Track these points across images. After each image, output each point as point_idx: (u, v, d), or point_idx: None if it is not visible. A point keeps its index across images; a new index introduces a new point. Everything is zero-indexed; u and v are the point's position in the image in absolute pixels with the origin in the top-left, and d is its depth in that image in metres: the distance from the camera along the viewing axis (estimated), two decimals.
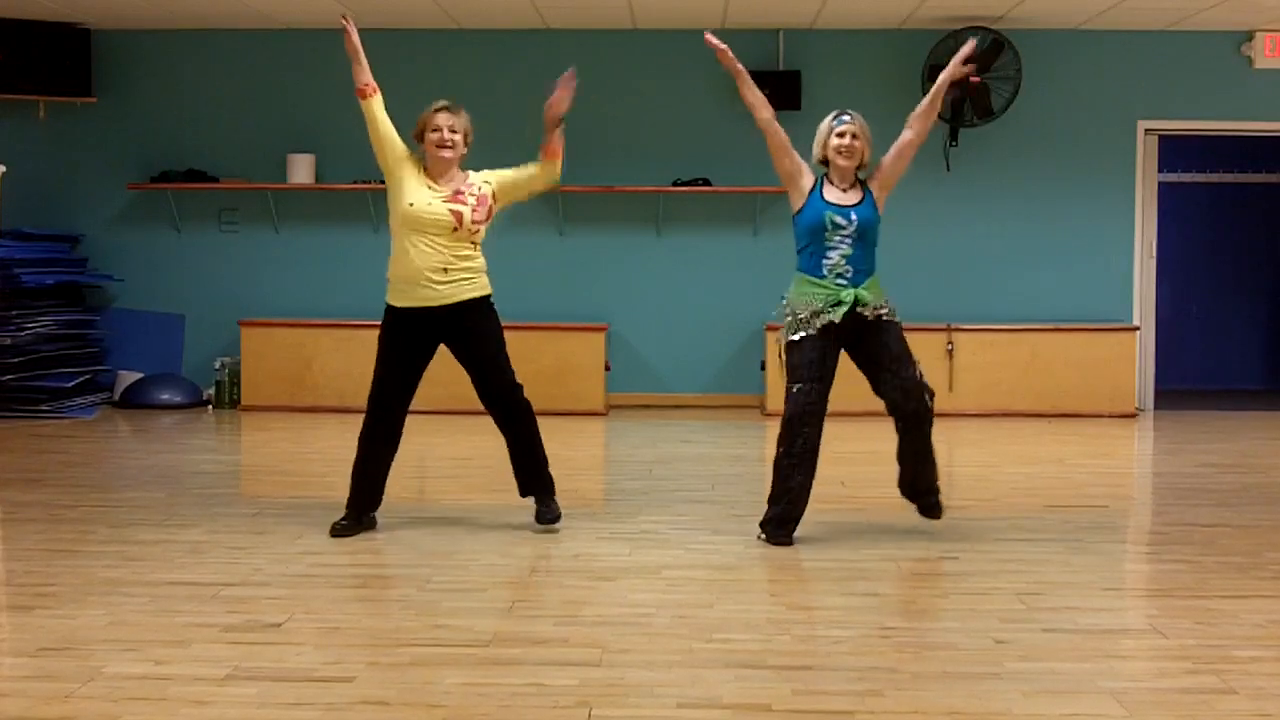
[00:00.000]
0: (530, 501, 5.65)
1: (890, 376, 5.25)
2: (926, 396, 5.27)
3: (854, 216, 5.25)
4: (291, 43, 9.98)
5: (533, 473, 5.59)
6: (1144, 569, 5.27)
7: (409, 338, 5.42)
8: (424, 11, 9.31)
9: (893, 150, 5.43)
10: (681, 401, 10.07)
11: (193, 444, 8.23)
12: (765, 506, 5.41)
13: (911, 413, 5.28)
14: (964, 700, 3.47)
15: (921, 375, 5.31)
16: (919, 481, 5.47)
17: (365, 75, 5.38)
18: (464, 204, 5.36)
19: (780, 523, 5.33)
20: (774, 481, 5.34)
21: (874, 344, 5.27)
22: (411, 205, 5.32)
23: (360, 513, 5.51)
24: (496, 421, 5.57)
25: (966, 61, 5.56)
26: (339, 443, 8.24)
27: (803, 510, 5.36)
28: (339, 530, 5.43)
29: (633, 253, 10.06)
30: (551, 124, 5.47)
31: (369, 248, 9.82)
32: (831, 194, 5.32)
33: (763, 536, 5.37)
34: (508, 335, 5.55)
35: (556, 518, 5.57)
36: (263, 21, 9.67)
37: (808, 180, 5.35)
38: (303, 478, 7.03)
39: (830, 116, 5.40)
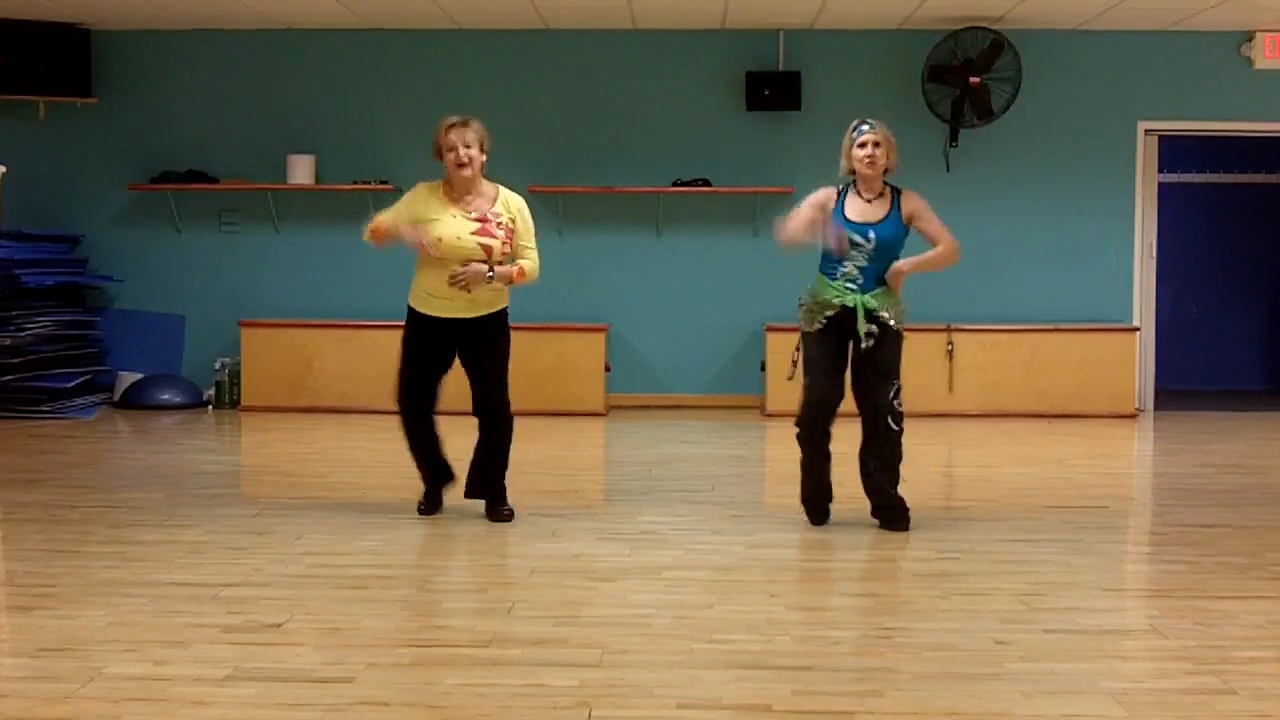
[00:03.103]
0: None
1: (869, 391, 5.53)
2: (891, 421, 5.51)
3: (872, 235, 5.46)
4: (291, 43, 9.97)
5: (493, 480, 5.81)
6: (1144, 569, 5.27)
7: (431, 339, 5.69)
8: (424, 11, 9.30)
9: (931, 227, 5.59)
10: (681, 402, 10.06)
11: (193, 444, 8.23)
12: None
13: (873, 435, 5.57)
14: (964, 700, 3.47)
15: (896, 396, 5.52)
16: (880, 495, 5.65)
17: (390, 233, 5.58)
18: (493, 236, 5.59)
19: (808, 500, 5.70)
20: (801, 463, 5.70)
21: (869, 351, 5.47)
22: (440, 241, 5.52)
23: (434, 494, 5.92)
24: (480, 427, 5.81)
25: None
26: (339, 443, 8.25)
27: (824, 489, 5.67)
28: (422, 511, 5.86)
29: (632, 253, 10.05)
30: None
31: (369, 248, 9.68)
32: (854, 209, 5.53)
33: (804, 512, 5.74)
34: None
35: (511, 516, 5.76)
36: (262, 21, 9.66)
37: (831, 201, 5.56)
38: (303, 478, 7.03)
39: (851, 128, 5.61)
